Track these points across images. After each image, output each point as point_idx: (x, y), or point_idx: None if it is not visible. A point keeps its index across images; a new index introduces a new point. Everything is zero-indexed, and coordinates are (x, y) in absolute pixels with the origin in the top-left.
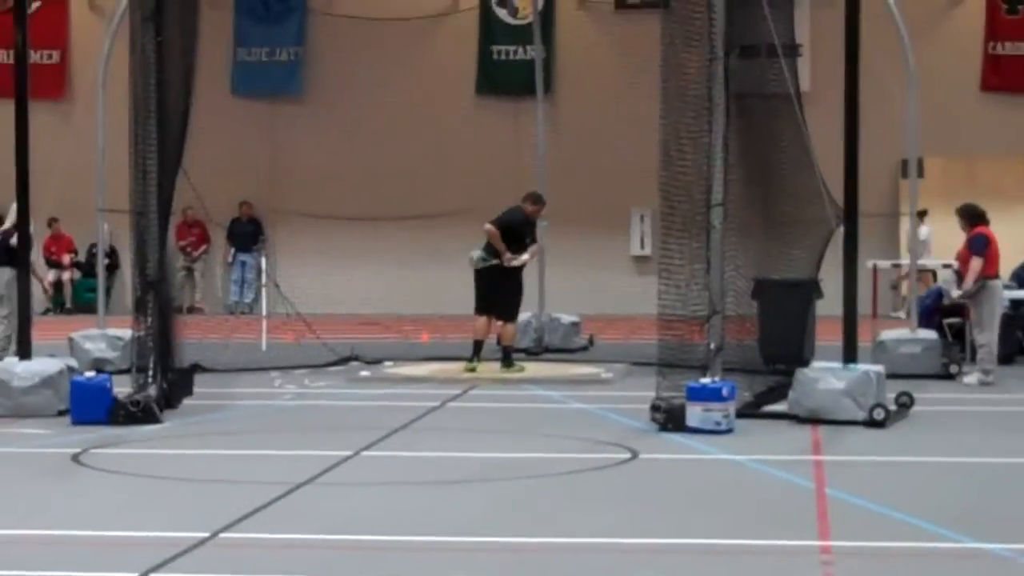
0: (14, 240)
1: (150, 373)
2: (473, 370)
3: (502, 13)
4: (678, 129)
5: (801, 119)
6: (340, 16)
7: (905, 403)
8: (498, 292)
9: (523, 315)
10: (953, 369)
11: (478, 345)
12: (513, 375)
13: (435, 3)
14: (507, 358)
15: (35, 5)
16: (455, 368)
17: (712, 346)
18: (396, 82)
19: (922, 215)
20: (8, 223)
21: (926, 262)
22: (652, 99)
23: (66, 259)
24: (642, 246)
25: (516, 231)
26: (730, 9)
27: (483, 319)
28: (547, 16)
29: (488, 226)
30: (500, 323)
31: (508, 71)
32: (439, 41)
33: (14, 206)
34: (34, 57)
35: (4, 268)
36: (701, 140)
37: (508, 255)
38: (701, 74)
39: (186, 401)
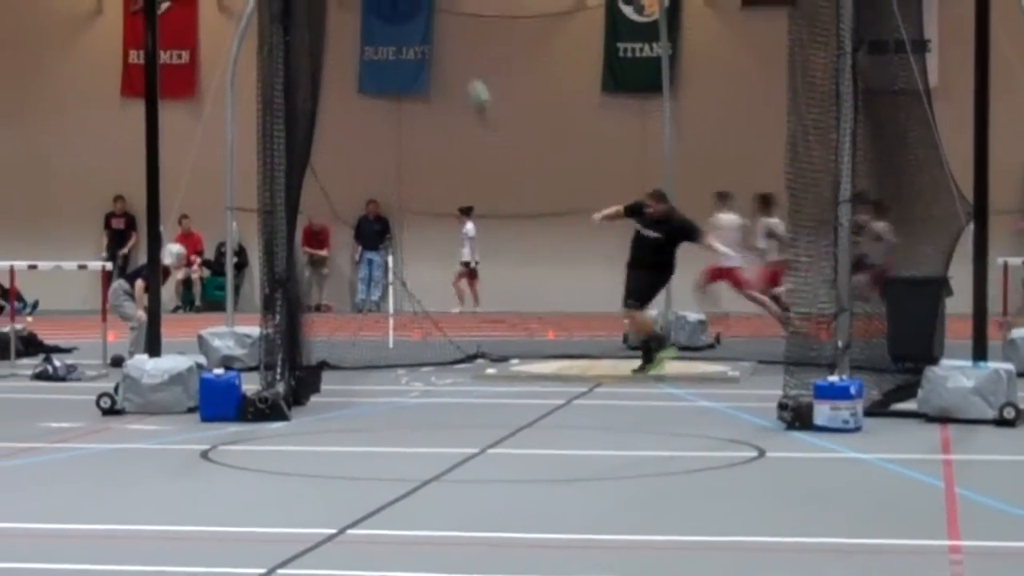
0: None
1: (278, 370)
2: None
3: (628, 11)
4: (805, 126)
5: (930, 115)
6: (466, 15)
7: None
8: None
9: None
10: None
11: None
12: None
13: (561, 1)
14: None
15: (165, 6)
16: (581, 365)
17: (840, 344)
18: (522, 80)
19: None
20: (167, 260)
21: None
22: (779, 96)
23: (195, 259)
24: None
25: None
26: (858, 5)
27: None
28: (673, 13)
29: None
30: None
31: (634, 69)
32: (565, 39)
33: (169, 246)
34: (164, 57)
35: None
36: (829, 136)
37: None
38: (828, 70)
39: (314, 398)
